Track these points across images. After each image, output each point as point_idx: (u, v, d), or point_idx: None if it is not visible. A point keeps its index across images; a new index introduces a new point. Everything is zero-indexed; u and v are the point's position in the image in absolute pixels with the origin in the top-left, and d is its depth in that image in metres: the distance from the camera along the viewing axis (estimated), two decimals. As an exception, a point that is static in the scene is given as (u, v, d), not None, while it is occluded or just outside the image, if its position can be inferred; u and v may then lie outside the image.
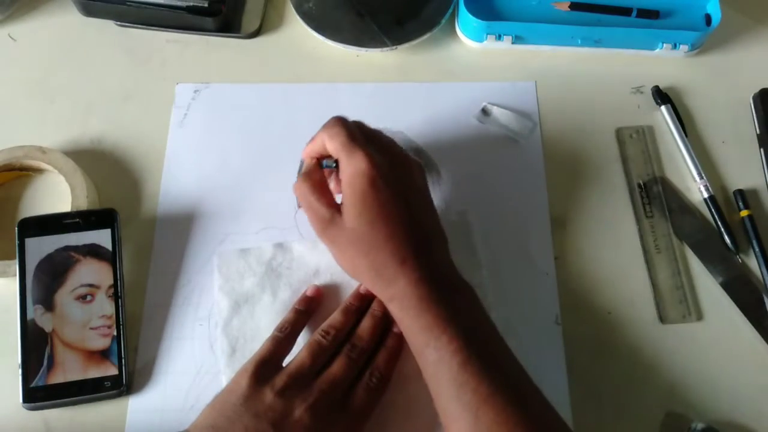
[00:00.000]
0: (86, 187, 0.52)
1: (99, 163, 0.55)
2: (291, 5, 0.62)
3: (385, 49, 0.59)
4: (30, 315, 0.47)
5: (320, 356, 0.45)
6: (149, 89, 0.59)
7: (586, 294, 0.52)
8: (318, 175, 0.47)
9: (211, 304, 0.50)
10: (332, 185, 0.48)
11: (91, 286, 0.48)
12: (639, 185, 0.55)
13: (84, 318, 0.48)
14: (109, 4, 0.60)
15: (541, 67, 0.61)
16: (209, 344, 0.49)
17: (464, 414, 0.39)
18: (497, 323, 0.44)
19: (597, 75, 0.61)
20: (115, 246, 0.49)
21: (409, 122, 0.57)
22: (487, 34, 0.59)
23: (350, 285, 0.50)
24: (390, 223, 0.43)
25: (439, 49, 0.62)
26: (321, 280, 0.51)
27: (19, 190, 0.54)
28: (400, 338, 0.47)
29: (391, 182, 0.44)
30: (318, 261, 0.51)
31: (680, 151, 0.57)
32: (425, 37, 0.60)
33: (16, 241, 0.49)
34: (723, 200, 0.55)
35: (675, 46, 0.60)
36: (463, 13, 0.59)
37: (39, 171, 0.55)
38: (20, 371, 0.46)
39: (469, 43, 0.61)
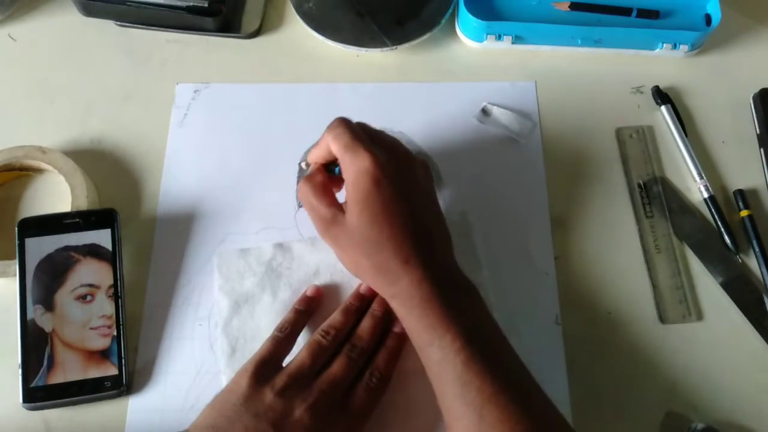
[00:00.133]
0: (86, 187, 0.52)
1: (99, 163, 0.55)
2: (291, 5, 0.62)
3: (385, 49, 0.59)
4: (30, 315, 0.47)
5: (320, 356, 0.45)
6: (149, 89, 0.59)
7: (586, 294, 0.52)
8: (320, 177, 0.47)
9: (211, 304, 0.50)
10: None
11: (91, 286, 0.48)
12: (639, 185, 0.55)
13: (84, 318, 0.48)
14: (109, 4, 0.60)
15: (541, 67, 0.61)
16: (209, 344, 0.49)
17: (468, 412, 0.39)
18: (498, 323, 0.43)
19: (597, 75, 0.61)
20: (115, 246, 0.49)
21: (409, 122, 0.57)
22: (487, 34, 0.59)
23: (350, 285, 0.50)
24: (393, 222, 0.43)
25: (439, 49, 0.62)
26: (321, 280, 0.51)
27: (19, 190, 0.54)
28: (400, 338, 0.47)
29: (395, 181, 0.44)
30: (318, 261, 0.51)
31: (680, 151, 0.57)
32: (425, 37, 0.60)
33: (16, 241, 0.49)
34: (723, 200, 0.55)
35: (675, 46, 0.60)
36: (463, 13, 0.59)
37: (39, 171, 0.55)
38: (20, 371, 0.46)
39: (469, 43, 0.61)
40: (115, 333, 0.47)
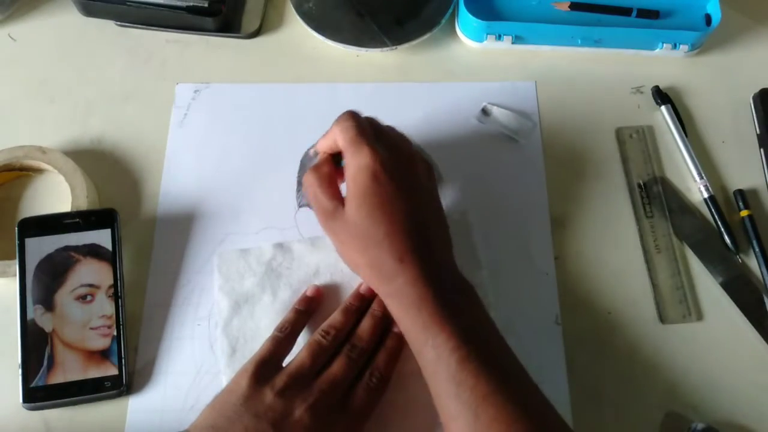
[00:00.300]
0: (86, 187, 0.52)
1: (99, 163, 0.55)
2: (291, 5, 0.62)
3: (385, 49, 0.59)
4: (30, 315, 0.47)
5: (320, 356, 0.45)
6: (149, 89, 0.59)
7: (586, 294, 0.52)
8: (327, 168, 0.47)
9: (211, 304, 0.50)
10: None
11: (91, 286, 0.48)
12: (639, 185, 0.55)
13: (84, 318, 0.48)
14: (109, 4, 0.60)
15: (541, 67, 0.61)
16: (209, 344, 0.49)
17: (463, 412, 0.39)
18: (497, 323, 0.43)
19: (597, 75, 0.61)
20: (115, 246, 0.49)
21: (409, 122, 0.56)
22: (487, 34, 0.59)
23: (350, 285, 0.50)
24: (390, 219, 0.43)
25: (439, 49, 0.62)
26: (321, 280, 0.51)
27: (19, 190, 0.54)
28: (400, 338, 0.47)
29: (395, 179, 0.44)
30: (318, 261, 0.51)
31: (680, 151, 0.57)
32: (425, 37, 0.60)
33: (16, 241, 0.49)
34: (723, 200, 0.55)
35: (675, 46, 0.60)
36: (463, 13, 0.59)
37: (39, 171, 0.55)
38: (20, 371, 0.46)
39: (469, 43, 0.61)
40: (115, 333, 0.47)
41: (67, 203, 0.52)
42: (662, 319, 0.51)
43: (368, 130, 0.45)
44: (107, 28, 0.62)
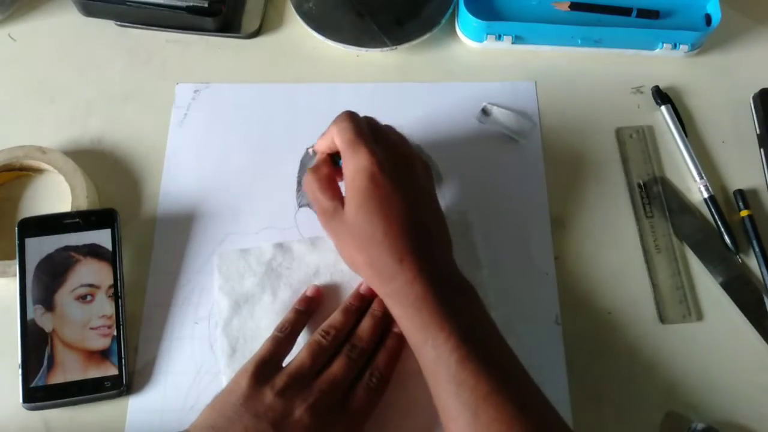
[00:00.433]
0: (86, 187, 0.52)
1: (99, 163, 0.55)
2: (291, 5, 0.62)
3: (385, 49, 0.59)
4: (30, 315, 0.47)
5: (320, 356, 0.45)
6: (149, 89, 0.59)
7: (586, 294, 0.52)
8: (326, 168, 0.48)
9: (211, 304, 0.50)
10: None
11: (91, 286, 0.48)
12: (639, 185, 0.55)
13: (84, 318, 0.48)
14: (109, 4, 0.60)
15: (541, 67, 0.61)
16: (209, 344, 0.49)
17: (463, 412, 0.39)
18: (497, 323, 0.43)
19: (597, 75, 0.61)
20: (115, 246, 0.49)
21: (409, 122, 0.57)
22: (487, 34, 0.59)
23: (350, 285, 0.50)
24: (389, 220, 0.43)
25: (439, 49, 0.62)
26: (321, 280, 0.51)
27: (19, 190, 0.54)
28: (400, 338, 0.47)
29: (393, 179, 0.44)
30: (318, 261, 0.51)
31: (680, 151, 0.57)
32: (425, 37, 0.60)
33: (16, 241, 0.49)
34: (723, 200, 0.55)
35: (675, 46, 0.60)
36: (463, 13, 0.59)
37: (39, 171, 0.55)
38: (20, 371, 0.46)
39: (469, 43, 0.61)
40: (115, 333, 0.47)
41: (67, 203, 0.51)
42: (662, 319, 0.51)
43: (366, 131, 0.45)
44: (107, 28, 0.62)
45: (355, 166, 0.44)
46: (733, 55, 0.62)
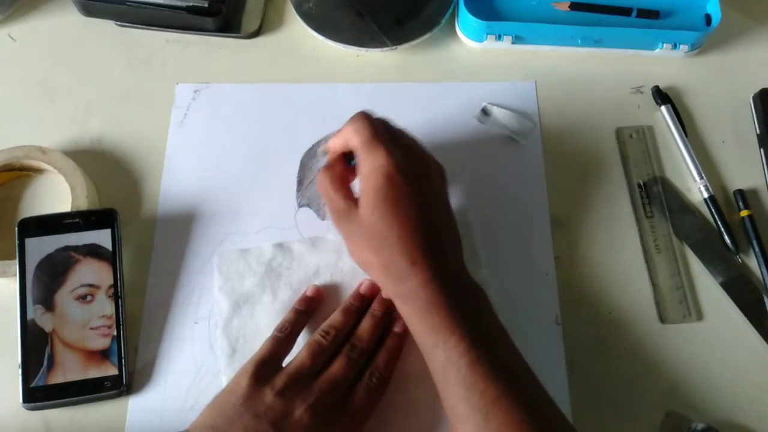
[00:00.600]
0: (86, 187, 0.52)
1: (99, 163, 0.55)
2: (291, 5, 0.62)
3: (385, 49, 0.59)
4: (30, 315, 0.47)
5: (320, 356, 0.45)
6: (149, 89, 0.59)
7: (586, 294, 0.52)
8: (340, 167, 0.47)
9: (211, 304, 0.50)
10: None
11: (91, 286, 0.48)
12: (639, 185, 0.55)
13: (84, 318, 0.48)
14: (109, 4, 0.60)
15: (541, 67, 0.61)
16: (209, 344, 0.49)
17: (473, 415, 0.39)
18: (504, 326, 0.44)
19: (597, 75, 0.61)
20: (115, 246, 0.49)
21: (409, 122, 0.56)
22: (487, 34, 0.59)
23: (350, 285, 0.50)
24: (403, 221, 0.43)
25: (439, 49, 0.62)
26: (321, 280, 0.51)
27: (19, 190, 0.54)
28: (400, 338, 0.47)
29: (409, 181, 0.44)
30: (318, 261, 0.51)
31: (680, 151, 0.57)
32: (425, 37, 0.60)
33: (16, 241, 0.49)
34: (723, 200, 0.55)
35: (675, 46, 0.60)
36: (463, 13, 0.59)
37: (39, 171, 0.55)
38: (20, 371, 0.46)
39: (469, 43, 0.61)
40: (115, 333, 0.47)
41: (67, 203, 0.51)
42: (662, 319, 0.51)
43: (382, 132, 0.45)
44: (107, 28, 0.62)
45: (371, 165, 0.44)
46: (733, 55, 0.62)
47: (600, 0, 0.61)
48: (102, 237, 0.50)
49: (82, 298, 0.48)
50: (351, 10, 0.61)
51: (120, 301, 0.48)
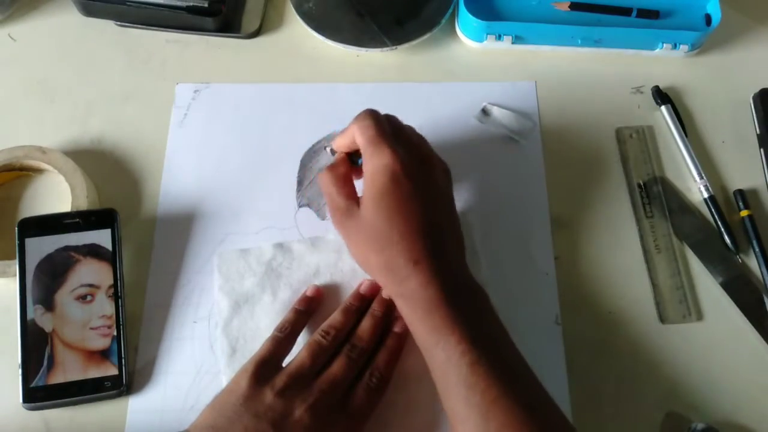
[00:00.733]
0: (86, 187, 0.52)
1: (99, 163, 0.55)
2: (291, 5, 0.62)
3: (385, 49, 0.59)
4: (30, 315, 0.47)
5: (320, 356, 0.45)
6: (149, 89, 0.59)
7: (586, 294, 0.52)
8: (343, 167, 0.47)
9: (211, 304, 0.50)
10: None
11: (91, 286, 0.48)
12: (639, 185, 0.55)
13: (84, 318, 0.48)
14: (109, 4, 0.60)
15: (541, 67, 0.61)
16: (209, 344, 0.49)
17: (473, 415, 0.39)
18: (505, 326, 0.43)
19: (597, 75, 0.61)
20: (115, 246, 0.49)
21: (409, 122, 0.56)
22: (487, 34, 0.59)
23: (350, 285, 0.50)
24: (406, 220, 0.43)
25: (439, 49, 0.62)
26: (321, 280, 0.51)
27: (19, 190, 0.54)
28: (400, 338, 0.47)
29: (413, 181, 0.44)
30: (318, 261, 0.51)
31: (680, 151, 0.57)
32: (425, 37, 0.60)
33: (16, 241, 0.49)
34: (723, 200, 0.55)
35: (675, 46, 0.60)
36: (463, 13, 0.59)
37: (39, 171, 0.55)
38: (20, 371, 0.46)
39: (469, 43, 0.61)
40: (115, 333, 0.47)
41: (67, 203, 0.51)
42: (662, 319, 0.51)
43: (388, 130, 0.45)
44: (107, 28, 0.62)
45: (376, 164, 0.44)
46: (733, 55, 0.62)
47: (600, 0, 0.61)
48: (102, 237, 0.50)
49: (82, 298, 0.48)
50: (351, 10, 0.61)
51: (120, 301, 0.48)
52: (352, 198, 0.46)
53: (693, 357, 0.49)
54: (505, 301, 0.50)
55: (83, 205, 0.51)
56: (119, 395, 0.47)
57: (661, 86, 0.59)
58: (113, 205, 0.52)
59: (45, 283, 0.48)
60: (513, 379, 0.40)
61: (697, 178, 0.55)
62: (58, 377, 0.46)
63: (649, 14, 0.61)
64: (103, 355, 0.47)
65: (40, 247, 0.49)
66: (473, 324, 0.41)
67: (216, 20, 0.60)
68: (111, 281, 0.48)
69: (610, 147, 0.57)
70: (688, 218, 0.55)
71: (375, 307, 0.48)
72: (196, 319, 0.50)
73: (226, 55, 0.61)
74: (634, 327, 0.50)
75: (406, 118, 0.56)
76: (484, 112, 0.58)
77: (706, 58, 0.62)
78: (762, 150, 0.57)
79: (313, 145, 0.56)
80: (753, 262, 0.53)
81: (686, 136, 0.57)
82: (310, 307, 0.49)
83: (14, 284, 0.48)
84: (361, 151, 0.45)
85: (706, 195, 0.55)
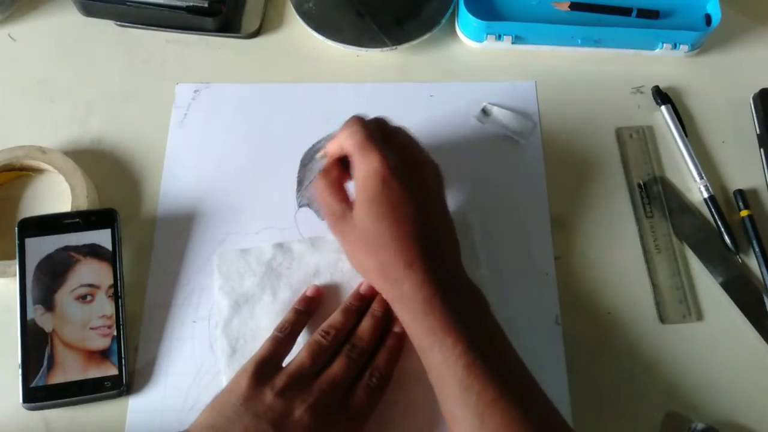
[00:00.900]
0: (86, 187, 0.52)
1: (99, 163, 0.55)
2: (291, 5, 0.62)
3: (385, 49, 0.59)
4: (30, 315, 0.47)
5: (320, 356, 0.45)
6: (149, 89, 0.59)
7: (586, 294, 0.52)
8: (335, 172, 0.48)
9: (211, 304, 0.50)
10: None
11: (91, 286, 0.48)
12: (639, 185, 0.55)
13: (84, 318, 0.48)
14: (109, 4, 0.60)
15: (541, 67, 0.61)
16: (209, 344, 0.49)
17: (469, 417, 0.39)
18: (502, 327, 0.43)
19: (597, 75, 0.61)
20: (115, 246, 0.49)
21: (409, 122, 0.56)
22: (487, 34, 0.59)
23: (350, 285, 0.50)
24: (399, 223, 0.43)
25: (439, 49, 0.62)
26: (321, 280, 0.51)
27: (19, 190, 0.54)
28: (400, 338, 0.47)
29: (403, 183, 0.44)
30: (318, 261, 0.51)
31: (680, 151, 0.57)
32: (425, 37, 0.60)
33: (16, 241, 0.49)
34: (723, 200, 0.55)
35: (675, 46, 0.60)
36: (463, 13, 0.59)
37: (39, 171, 0.55)
38: (20, 371, 0.46)
39: (469, 43, 0.61)
40: (115, 333, 0.47)
41: (67, 203, 0.52)
42: (662, 319, 0.51)
43: (376, 134, 0.45)
44: (107, 28, 0.62)
45: (365, 169, 0.44)
46: (733, 55, 0.62)
47: (600, 0, 0.61)
48: (102, 237, 0.50)
49: (82, 298, 0.48)
50: (351, 10, 0.61)
51: (120, 301, 0.48)
52: (346, 202, 0.46)
53: (693, 357, 0.49)
54: (504, 301, 0.50)
55: (83, 205, 0.51)
56: (119, 395, 0.47)
57: (661, 86, 0.59)
58: (113, 205, 0.52)
59: (45, 283, 0.48)
60: (510, 381, 0.40)
61: (697, 178, 0.55)
62: (58, 377, 0.46)
63: (649, 14, 0.61)
64: (103, 355, 0.47)
65: (40, 247, 0.49)
66: (469, 325, 0.41)
67: (216, 20, 0.60)
68: (111, 281, 0.49)
69: (610, 147, 0.57)
70: (688, 218, 0.55)
71: (375, 307, 0.48)
72: (196, 319, 0.50)
73: (226, 55, 0.61)
74: (634, 327, 0.50)
75: (406, 118, 0.56)
76: (484, 112, 0.58)
77: (706, 58, 0.62)
78: (762, 150, 0.57)
79: (313, 145, 0.56)
80: (753, 262, 0.53)
81: (686, 136, 0.57)
82: (310, 307, 0.49)
83: (14, 284, 0.48)
84: (351, 156, 0.45)
85: (706, 195, 0.55)
